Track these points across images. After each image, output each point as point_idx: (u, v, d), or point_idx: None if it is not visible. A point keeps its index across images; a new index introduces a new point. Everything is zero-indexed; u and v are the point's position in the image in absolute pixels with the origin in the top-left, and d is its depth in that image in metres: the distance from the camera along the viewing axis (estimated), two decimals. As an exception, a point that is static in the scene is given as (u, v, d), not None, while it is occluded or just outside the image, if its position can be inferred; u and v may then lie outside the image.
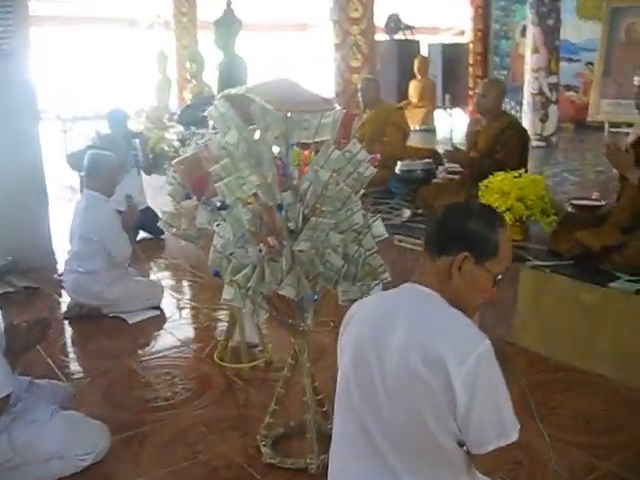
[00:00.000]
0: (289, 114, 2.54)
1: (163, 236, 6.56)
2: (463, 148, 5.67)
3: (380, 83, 6.99)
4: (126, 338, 4.44)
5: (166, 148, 8.19)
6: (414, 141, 8.60)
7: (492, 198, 4.45)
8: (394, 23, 13.72)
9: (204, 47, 11.79)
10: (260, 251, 2.63)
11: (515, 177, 4.45)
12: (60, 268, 5.43)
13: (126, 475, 2.94)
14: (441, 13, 16.64)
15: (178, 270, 5.90)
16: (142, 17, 14.94)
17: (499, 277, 1.84)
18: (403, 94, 12.90)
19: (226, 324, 4.09)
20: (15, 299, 5.10)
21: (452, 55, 13.58)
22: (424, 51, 13.80)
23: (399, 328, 1.77)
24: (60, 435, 2.82)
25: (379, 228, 2.71)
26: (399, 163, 6.01)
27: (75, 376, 3.92)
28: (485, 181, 4.56)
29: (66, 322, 4.71)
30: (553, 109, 9.78)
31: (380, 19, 12.04)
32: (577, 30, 12.19)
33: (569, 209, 4.74)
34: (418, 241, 4.62)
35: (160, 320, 4.74)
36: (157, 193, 6.47)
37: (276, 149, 2.64)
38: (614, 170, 4.26)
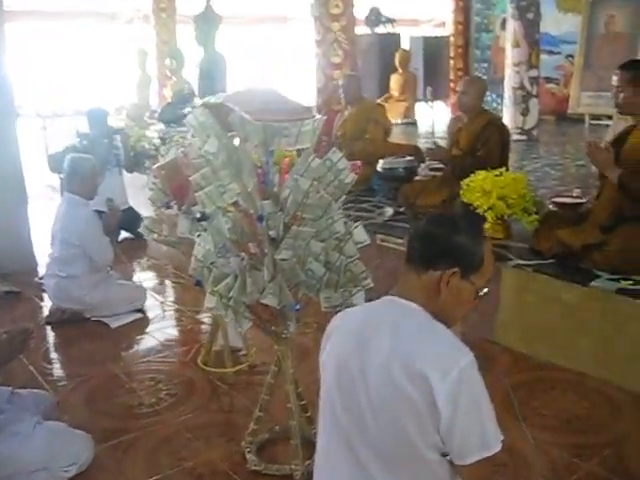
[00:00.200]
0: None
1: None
2: (444, 142, 5.68)
3: (361, 78, 7.00)
4: (109, 343, 4.42)
5: (147, 146, 8.14)
6: (396, 134, 8.60)
7: (474, 197, 4.47)
8: (375, 16, 13.69)
9: (184, 42, 11.72)
10: (242, 260, 2.63)
11: (496, 176, 4.46)
12: (41, 271, 5.39)
13: (110, 484, 2.93)
14: (421, 5, 16.62)
15: (161, 271, 5.88)
16: (122, 11, 14.79)
17: (484, 290, 1.86)
18: (384, 87, 12.88)
19: (210, 326, 4.08)
20: (-4, 304, 5.05)
21: (433, 48, 13.58)
22: (405, 44, 13.78)
23: (382, 343, 1.77)
24: (44, 447, 2.81)
25: (361, 235, 2.71)
26: (381, 161, 6.02)
27: (59, 383, 3.89)
28: (467, 180, 4.57)
29: (48, 327, 4.67)
30: (534, 102, 9.80)
31: (361, 12, 12.01)
32: (557, 22, 12.21)
33: (550, 207, 4.76)
34: (400, 241, 4.63)
35: (143, 323, 4.72)
36: (139, 192, 6.43)
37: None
38: (594, 168, 4.28)
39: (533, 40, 9.70)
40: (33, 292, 5.26)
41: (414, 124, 12.42)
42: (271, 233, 2.58)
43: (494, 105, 12.44)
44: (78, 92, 13.35)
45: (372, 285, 2.73)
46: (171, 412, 3.49)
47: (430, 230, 1.86)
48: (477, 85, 5.29)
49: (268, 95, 2.62)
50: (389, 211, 5.45)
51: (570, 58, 12.12)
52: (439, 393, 1.67)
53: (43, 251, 5.29)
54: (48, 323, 4.71)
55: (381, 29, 13.88)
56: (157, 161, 3.65)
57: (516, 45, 9.66)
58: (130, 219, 6.24)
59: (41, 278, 5.16)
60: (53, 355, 4.41)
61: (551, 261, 4.08)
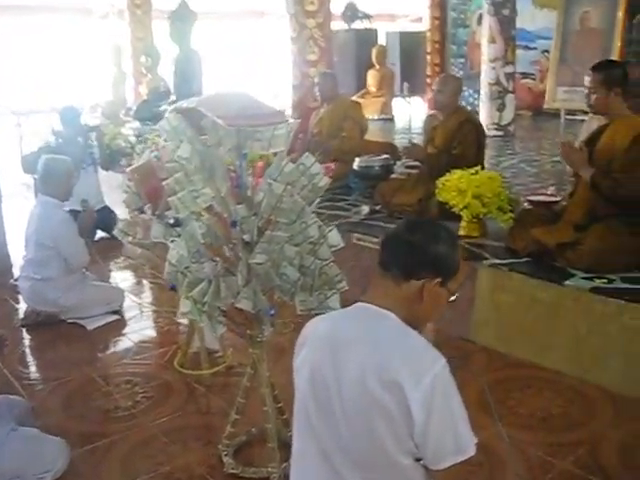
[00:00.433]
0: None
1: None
2: (421, 139, 5.69)
3: (338, 73, 6.98)
4: (85, 345, 4.39)
5: (123, 144, 8.09)
6: (373, 130, 8.60)
7: (449, 196, 4.50)
8: (351, 12, 13.68)
9: (159, 38, 11.61)
10: (216, 264, 2.62)
11: (472, 174, 4.48)
12: (16, 272, 5.33)
13: (86, 491, 2.92)
14: (398, 0, 16.62)
15: (138, 271, 5.83)
16: (96, 6, 14.64)
17: (455, 295, 1.88)
18: (362, 83, 12.89)
19: (187, 328, 4.06)
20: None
21: (410, 43, 13.58)
22: (382, 40, 13.79)
23: (357, 350, 1.78)
24: (17, 455, 2.78)
25: (335, 238, 2.70)
26: (357, 159, 6.01)
27: (35, 387, 3.86)
28: (442, 179, 4.59)
29: (24, 330, 4.63)
30: (510, 98, 9.86)
31: (337, 8, 11.99)
32: (533, 18, 12.28)
33: (525, 205, 4.79)
34: (376, 240, 4.64)
35: (119, 325, 4.69)
36: (114, 191, 6.38)
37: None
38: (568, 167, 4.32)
39: (509, 36, 9.76)
40: (8, 294, 5.20)
41: (391, 120, 12.44)
42: (245, 237, 2.57)
43: (470, 100, 12.50)
44: (54, 88, 13.20)
45: (347, 288, 2.73)
46: (148, 415, 3.47)
47: (409, 239, 1.84)
48: (452, 83, 5.32)
49: (241, 99, 2.61)
50: (365, 209, 5.45)
51: (546, 53, 12.17)
52: (412, 399, 1.68)
53: (18, 252, 5.23)
54: (23, 326, 4.66)
55: (358, 24, 13.88)
56: (133, 159, 3.62)
57: (492, 41, 9.70)
58: (106, 218, 6.20)
59: (16, 280, 5.10)
60: (29, 358, 4.37)
61: (526, 260, 4.11)
